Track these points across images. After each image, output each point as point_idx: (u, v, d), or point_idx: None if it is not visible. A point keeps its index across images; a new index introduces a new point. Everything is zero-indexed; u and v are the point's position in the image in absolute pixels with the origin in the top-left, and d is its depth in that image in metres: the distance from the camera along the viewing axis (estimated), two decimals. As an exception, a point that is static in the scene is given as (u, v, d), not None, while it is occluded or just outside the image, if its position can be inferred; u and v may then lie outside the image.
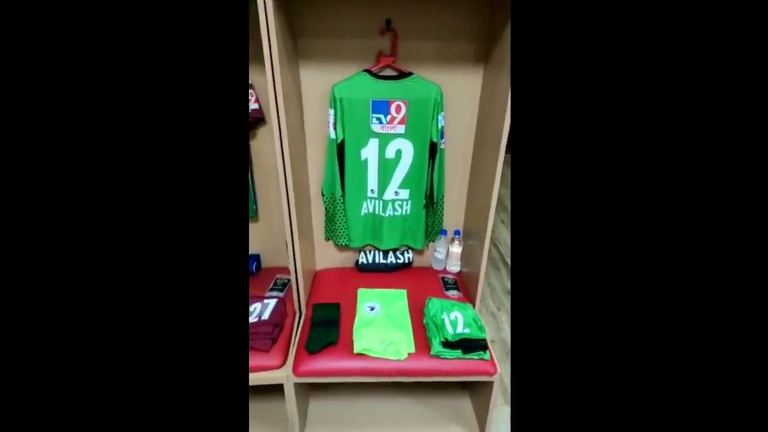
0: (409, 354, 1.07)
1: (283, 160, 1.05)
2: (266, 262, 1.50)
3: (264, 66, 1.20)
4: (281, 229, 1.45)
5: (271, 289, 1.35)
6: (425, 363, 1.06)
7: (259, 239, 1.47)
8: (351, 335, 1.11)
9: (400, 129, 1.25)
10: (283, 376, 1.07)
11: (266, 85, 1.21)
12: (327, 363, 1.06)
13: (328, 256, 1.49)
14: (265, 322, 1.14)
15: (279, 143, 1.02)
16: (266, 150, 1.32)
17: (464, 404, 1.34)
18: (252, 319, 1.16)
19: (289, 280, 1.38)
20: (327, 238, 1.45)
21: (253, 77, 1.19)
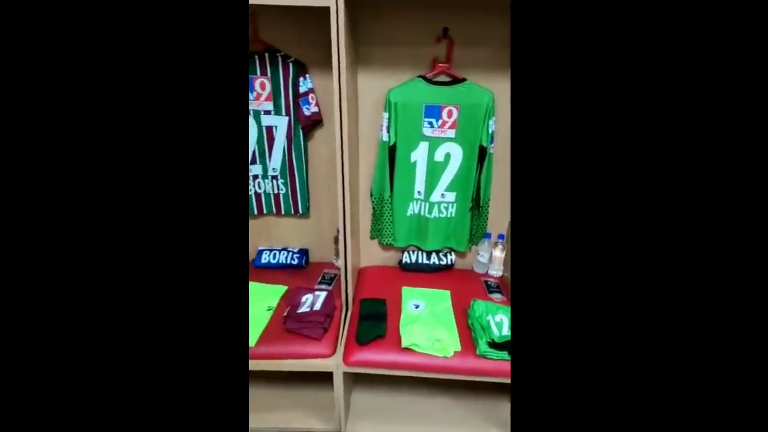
0: (455, 352, 1.09)
1: (342, 163, 1.11)
2: (314, 257, 1.57)
3: (325, 71, 1.28)
4: (330, 226, 1.53)
5: (320, 283, 1.42)
6: (471, 362, 1.09)
7: (308, 235, 1.55)
8: (397, 330, 1.16)
9: (451, 133, 1.29)
10: (334, 364, 1.13)
11: (326, 90, 1.30)
12: (375, 355, 1.11)
13: (372, 254, 1.54)
14: (317, 313, 1.21)
15: (340, 146, 1.09)
16: (320, 151, 1.40)
17: (504, 407, 1.34)
18: (304, 309, 1.23)
19: (335, 275, 1.45)
20: (372, 237, 1.50)
21: (316, 81, 1.27)
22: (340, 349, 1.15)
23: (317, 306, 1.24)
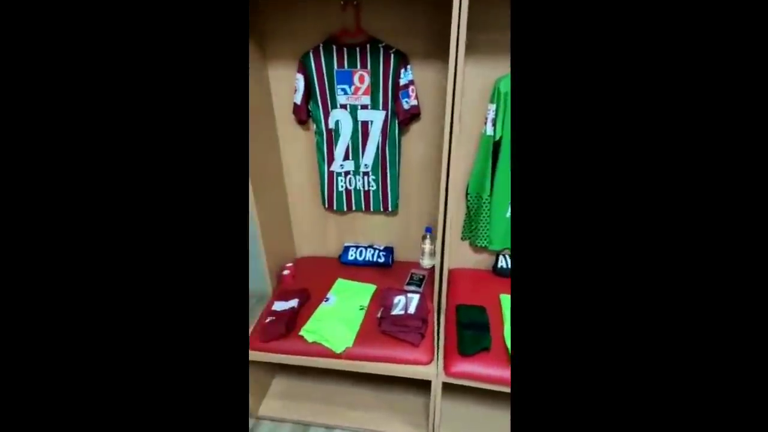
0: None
1: (449, 159, 1.03)
2: (398, 255, 1.53)
3: (426, 62, 1.20)
4: (417, 224, 1.47)
5: (408, 284, 1.37)
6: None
7: (394, 232, 1.50)
8: (502, 342, 1.06)
9: (566, 127, 1.14)
10: (433, 373, 1.07)
11: (425, 82, 1.22)
12: (481, 368, 1.03)
13: (462, 256, 1.46)
14: (412, 317, 1.16)
15: (448, 143, 1.00)
16: (414, 146, 1.33)
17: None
18: (398, 311, 1.19)
19: (424, 276, 1.39)
20: (464, 238, 1.41)
21: (416, 73, 1.20)
22: (440, 358, 1.09)
23: (411, 309, 1.20)
